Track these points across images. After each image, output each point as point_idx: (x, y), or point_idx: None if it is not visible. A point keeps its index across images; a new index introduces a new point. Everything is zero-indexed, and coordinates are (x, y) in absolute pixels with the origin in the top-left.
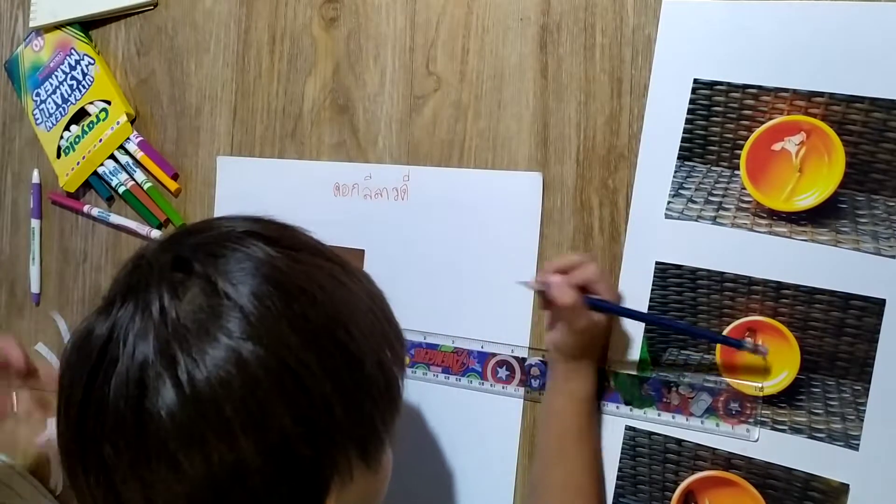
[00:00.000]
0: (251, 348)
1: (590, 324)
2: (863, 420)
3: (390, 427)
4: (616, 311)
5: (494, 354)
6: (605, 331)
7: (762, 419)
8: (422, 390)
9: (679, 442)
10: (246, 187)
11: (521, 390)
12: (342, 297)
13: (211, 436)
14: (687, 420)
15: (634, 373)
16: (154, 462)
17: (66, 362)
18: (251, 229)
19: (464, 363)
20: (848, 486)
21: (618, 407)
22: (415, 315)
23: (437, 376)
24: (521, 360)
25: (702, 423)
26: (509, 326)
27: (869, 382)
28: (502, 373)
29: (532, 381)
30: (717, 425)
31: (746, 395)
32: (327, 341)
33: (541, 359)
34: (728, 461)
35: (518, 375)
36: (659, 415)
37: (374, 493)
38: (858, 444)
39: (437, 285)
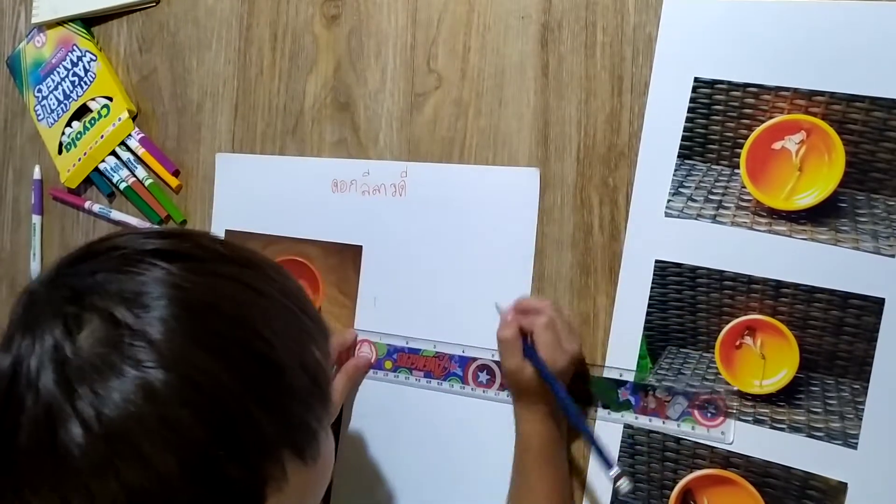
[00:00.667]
0: (161, 377)
1: (515, 368)
2: (861, 419)
3: (323, 419)
4: (538, 366)
5: (475, 359)
6: (531, 384)
7: (745, 418)
8: (420, 391)
9: (678, 440)
10: (244, 184)
11: (501, 394)
12: (254, 303)
13: (127, 468)
14: (664, 423)
15: (611, 376)
16: (75, 499)
17: None
18: (149, 247)
19: (445, 367)
20: (846, 484)
21: (596, 410)
22: (410, 311)
23: (420, 381)
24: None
25: (678, 426)
26: None
27: (868, 381)
28: (483, 377)
29: None
30: (693, 428)
31: (722, 398)
32: (243, 356)
33: None
34: (727, 459)
35: (498, 380)
36: (636, 418)
37: (315, 483)
38: (857, 443)
39: (434, 281)
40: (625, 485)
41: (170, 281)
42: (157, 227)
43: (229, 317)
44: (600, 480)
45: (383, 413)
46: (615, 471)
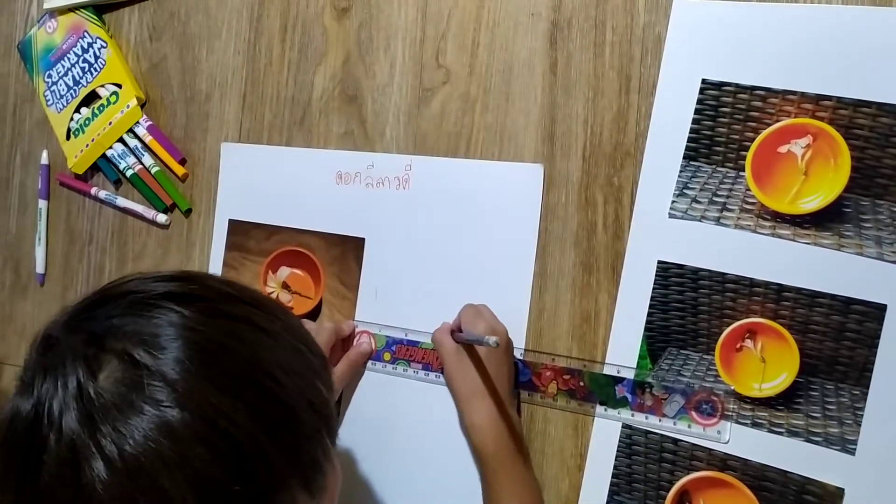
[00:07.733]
0: (177, 415)
1: (438, 339)
2: (860, 425)
3: (329, 451)
4: (461, 337)
5: None
6: (457, 362)
7: (744, 420)
8: (418, 383)
9: (675, 441)
10: (249, 174)
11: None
12: (262, 342)
13: (147, 503)
14: (660, 421)
15: (609, 373)
16: None
17: None
18: (161, 290)
19: None
20: (843, 490)
21: (593, 407)
22: (411, 304)
23: (417, 373)
24: None
25: (674, 423)
26: (506, 319)
27: (868, 387)
28: None
29: None
30: (689, 426)
31: (719, 397)
32: (254, 394)
33: (519, 357)
34: (724, 462)
35: None
36: (632, 415)
37: None
38: (855, 449)
39: (435, 275)
40: (492, 340)
41: (183, 323)
42: (165, 271)
43: (242, 358)
44: (599, 480)
45: (381, 405)
46: (486, 339)
